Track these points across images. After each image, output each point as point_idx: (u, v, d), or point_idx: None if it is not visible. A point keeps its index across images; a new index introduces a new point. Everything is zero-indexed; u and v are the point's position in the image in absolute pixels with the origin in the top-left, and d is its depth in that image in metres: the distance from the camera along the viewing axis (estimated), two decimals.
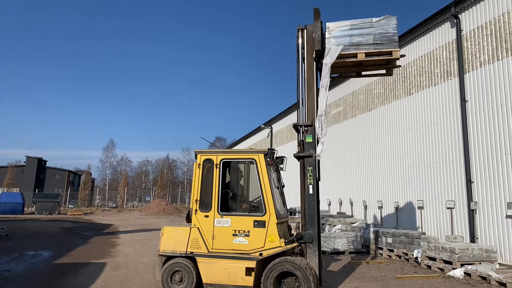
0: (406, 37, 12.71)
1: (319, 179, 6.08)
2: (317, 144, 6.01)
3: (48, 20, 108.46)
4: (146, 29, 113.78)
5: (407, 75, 12.87)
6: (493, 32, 9.63)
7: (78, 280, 7.21)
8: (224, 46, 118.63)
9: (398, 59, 6.25)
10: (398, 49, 6.13)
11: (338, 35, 6.26)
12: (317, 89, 6.43)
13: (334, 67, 6.58)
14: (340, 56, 6.22)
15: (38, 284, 6.91)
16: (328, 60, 6.09)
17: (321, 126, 5.94)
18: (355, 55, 6.19)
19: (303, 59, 6.48)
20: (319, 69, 6.67)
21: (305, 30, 6.48)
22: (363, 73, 7.08)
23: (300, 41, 6.50)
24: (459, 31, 10.60)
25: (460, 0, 10.51)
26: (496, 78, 9.45)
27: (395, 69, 6.96)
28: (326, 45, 6.28)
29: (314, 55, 6.32)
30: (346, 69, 7.12)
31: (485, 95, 9.73)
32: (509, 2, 9.24)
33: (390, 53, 6.10)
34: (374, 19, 6.22)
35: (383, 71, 6.95)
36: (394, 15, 6.18)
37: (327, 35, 6.33)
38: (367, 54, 6.15)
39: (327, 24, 6.40)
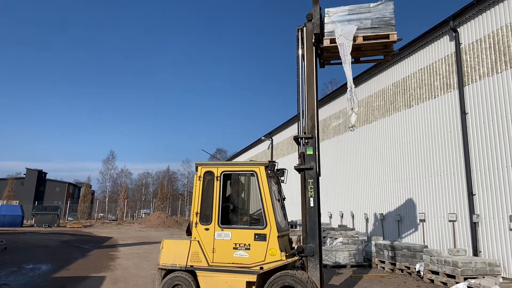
0: (406, 50, 12.80)
1: (319, 191, 6.05)
2: (352, 115, 6.30)
3: (48, 29, 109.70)
4: (146, 39, 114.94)
5: (407, 87, 12.93)
6: (492, 45, 9.71)
7: None
8: (225, 57, 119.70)
9: (395, 41, 6.38)
10: (395, 32, 6.25)
11: (337, 20, 6.43)
12: (317, 87, 6.52)
13: (333, 52, 6.68)
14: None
15: None
16: (342, 41, 6.22)
17: (352, 97, 6.25)
18: (354, 39, 6.32)
19: (302, 56, 6.57)
20: (318, 55, 6.78)
21: (304, 28, 6.59)
22: (361, 58, 7.21)
23: (299, 40, 6.60)
24: (458, 44, 10.69)
25: (458, 14, 10.63)
26: (496, 90, 9.49)
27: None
28: (325, 29, 6.46)
29: (313, 40, 6.43)
30: None
31: (485, 107, 9.76)
32: (507, 16, 9.34)
33: (387, 36, 6.23)
34: (371, 4, 6.40)
35: (381, 57, 7.10)
36: (392, 1, 6.38)
37: (326, 20, 6.51)
38: (365, 38, 6.32)
39: (326, 9, 6.59)
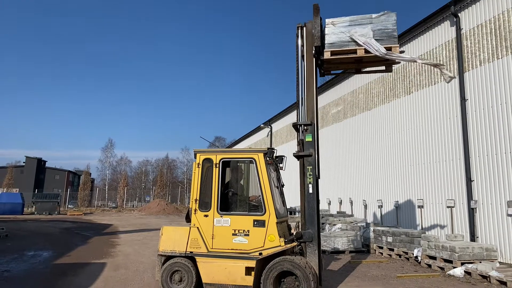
0: (406, 35, 12.69)
1: (318, 177, 6.06)
2: (443, 71, 6.09)
3: (47, 20, 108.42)
4: (147, 29, 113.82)
5: (406, 74, 12.85)
6: (493, 30, 9.62)
7: (78, 280, 7.20)
8: (223, 45, 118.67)
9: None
10: (398, 45, 6.10)
11: (338, 31, 6.24)
12: (317, 87, 6.42)
13: (334, 63, 6.55)
14: (340, 52, 6.21)
15: (38, 285, 6.90)
16: (364, 39, 6.00)
17: (428, 62, 6.29)
18: (354, 51, 6.16)
19: (302, 56, 6.46)
20: (318, 65, 6.65)
21: (304, 28, 6.47)
22: (363, 69, 7.07)
23: (299, 39, 6.48)
24: (458, 30, 10.58)
25: None
26: (496, 76, 9.44)
27: (395, 65, 6.92)
28: (326, 41, 6.26)
29: (313, 52, 6.31)
30: (346, 65, 7.09)
31: (485, 93, 9.72)
32: (508, 1, 9.22)
33: (390, 49, 6.06)
34: (373, 15, 6.20)
35: (383, 68, 6.93)
36: (394, 11, 6.18)
37: (326, 31, 6.31)
38: (366, 50, 6.13)
39: (327, 20, 6.39)
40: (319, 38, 6.26)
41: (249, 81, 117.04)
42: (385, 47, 6.02)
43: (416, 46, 12.47)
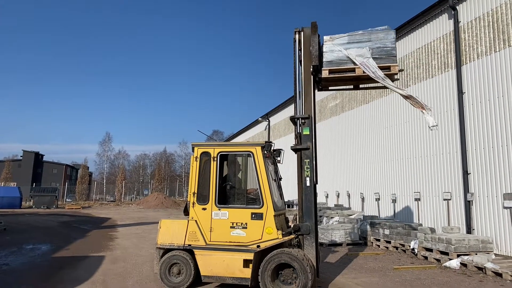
0: (404, 29, 12.66)
1: (316, 170, 6.08)
2: (427, 115, 5.94)
3: (45, 15, 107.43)
4: (144, 24, 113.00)
5: (404, 67, 12.84)
6: (491, 23, 9.61)
7: (77, 273, 7.23)
8: (221, 39, 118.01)
9: (396, 74, 6.07)
10: (397, 64, 5.97)
11: (336, 49, 6.08)
12: (314, 94, 6.33)
13: (331, 81, 6.40)
14: (338, 71, 6.08)
15: (36, 278, 6.92)
16: (361, 60, 5.82)
17: (416, 100, 5.93)
18: (353, 70, 6.02)
19: (300, 61, 6.37)
20: (316, 82, 6.55)
21: (302, 33, 6.36)
22: (361, 85, 6.86)
23: (297, 44, 6.38)
24: (456, 23, 10.56)
25: None
26: (493, 69, 9.45)
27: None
28: (324, 58, 6.12)
29: (311, 70, 6.18)
30: (344, 82, 6.89)
31: (482, 86, 9.74)
32: None
33: (388, 68, 5.92)
34: (372, 31, 6.04)
35: (381, 85, 6.79)
36: (393, 30, 6.06)
37: (324, 48, 6.17)
38: None
39: (325, 37, 6.23)
40: (317, 57, 6.12)
41: (247, 75, 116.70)
42: (384, 66, 5.91)
43: (414, 39, 12.45)
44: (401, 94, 6.02)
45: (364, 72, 5.91)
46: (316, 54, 6.14)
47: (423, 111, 5.96)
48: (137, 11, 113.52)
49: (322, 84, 6.76)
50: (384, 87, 6.15)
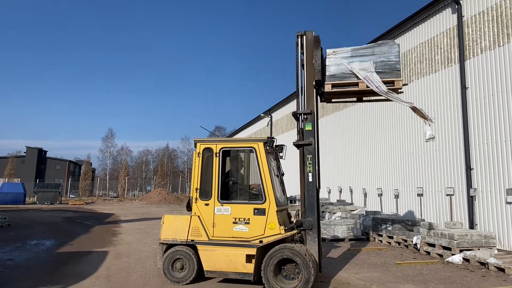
0: (407, 23, 12.57)
1: (318, 166, 6.07)
2: (427, 126, 6.02)
3: (46, 11, 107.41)
4: (146, 20, 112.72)
5: (407, 62, 12.78)
6: (495, 17, 9.53)
7: (81, 268, 7.28)
8: (224, 33, 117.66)
9: (400, 88, 5.99)
10: (401, 78, 5.90)
11: (339, 63, 6.01)
12: (317, 101, 6.31)
13: (334, 94, 6.36)
14: (341, 85, 6.03)
15: (41, 273, 6.97)
16: (365, 74, 5.76)
17: (421, 111, 6.02)
18: (356, 84, 5.96)
19: (302, 65, 6.32)
20: (319, 94, 6.51)
21: (304, 37, 6.30)
22: (364, 98, 6.80)
23: (299, 48, 6.33)
24: (460, 17, 10.49)
25: None
26: (497, 64, 9.39)
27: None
28: (327, 72, 6.06)
29: (314, 84, 6.12)
30: (347, 96, 6.84)
31: (486, 81, 9.68)
32: None
33: (392, 82, 5.85)
34: (376, 45, 5.97)
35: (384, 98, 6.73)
36: (397, 43, 5.99)
37: (327, 62, 6.10)
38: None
39: (328, 50, 6.16)
40: (320, 71, 6.05)
41: (249, 71, 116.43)
42: (387, 80, 5.83)
43: (417, 34, 12.37)
44: (406, 105, 6.02)
45: (367, 87, 5.84)
46: (319, 69, 6.07)
47: (426, 121, 6.00)
48: (138, 6, 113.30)
49: (325, 97, 6.70)
50: (388, 100, 6.09)
